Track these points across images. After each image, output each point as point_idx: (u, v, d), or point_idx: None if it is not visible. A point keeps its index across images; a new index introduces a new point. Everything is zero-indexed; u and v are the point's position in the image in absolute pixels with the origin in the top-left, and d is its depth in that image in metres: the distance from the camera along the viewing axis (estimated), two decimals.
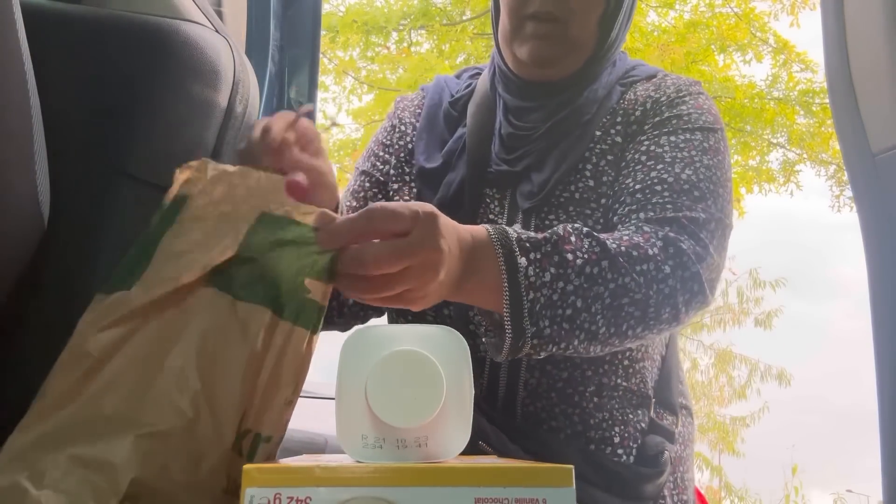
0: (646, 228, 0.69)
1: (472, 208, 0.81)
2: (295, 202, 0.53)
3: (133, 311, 0.48)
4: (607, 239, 0.66)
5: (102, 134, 0.62)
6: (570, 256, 0.63)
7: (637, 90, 0.84)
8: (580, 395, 0.78)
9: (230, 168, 0.55)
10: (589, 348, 0.65)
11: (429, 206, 0.54)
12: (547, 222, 0.78)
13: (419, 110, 0.92)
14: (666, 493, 0.80)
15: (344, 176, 7.51)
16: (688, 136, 0.76)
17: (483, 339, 0.75)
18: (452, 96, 0.91)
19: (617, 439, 0.78)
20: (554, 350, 0.63)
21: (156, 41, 0.63)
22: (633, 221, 0.71)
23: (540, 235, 0.63)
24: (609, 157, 0.79)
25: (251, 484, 0.40)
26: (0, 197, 0.50)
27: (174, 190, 0.54)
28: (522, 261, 0.61)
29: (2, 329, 0.55)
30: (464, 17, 6.82)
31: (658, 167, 0.74)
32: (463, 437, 0.46)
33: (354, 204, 0.90)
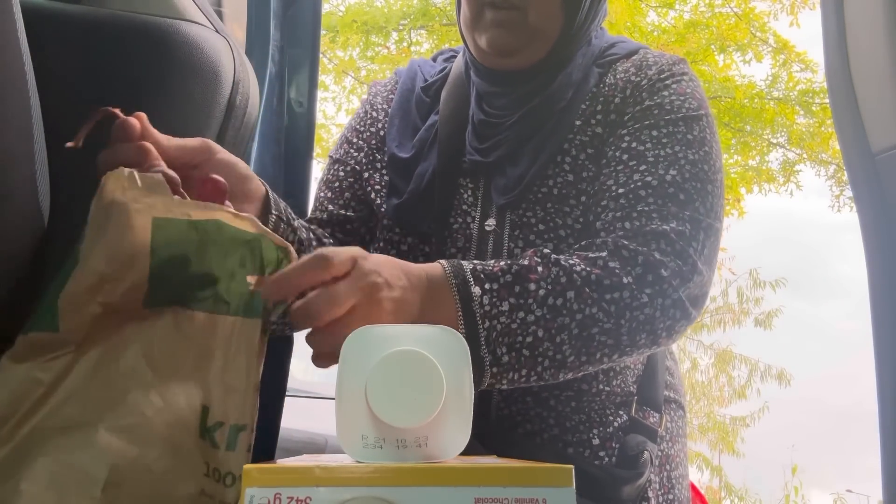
0: (625, 252, 0.65)
1: (444, 200, 0.77)
2: (182, 201, 0.51)
3: (68, 343, 0.48)
4: (577, 264, 0.63)
5: (102, 133, 0.61)
6: (532, 286, 0.61)
7: (617, 72, 0.79)
8: (556, 399, 0.75)
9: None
10: (558, 375, 0.63)
11: (358, 250, 0.56)
12: (525, 219, 0.74)
13: (391, 95, 0.89)
14: (651, 494, 0.78)
15: None
16: (670, 128, 0.71)
17: None
18: (426, 81, 0.87)
19: (596, 441, 0.76)
20: (517, 378, 0.62)
21: (156, 41, 0.63)
22: (617, 231, 0.68)
23: (500, 265, 0.62)
24: (589, 151, 0.75)
25: (251, 484, 0.40)
26: (0, 197, 0.50)
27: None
28: (476, 290, 0.60)
29: (2, 329, 0.55)
30: None
31: (641, 168, 0.70)
32: (463, 437, 0.46)
33: (329, 194, 0.87)
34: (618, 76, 0.79)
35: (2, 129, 0.49)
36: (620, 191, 0.70)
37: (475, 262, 0.63)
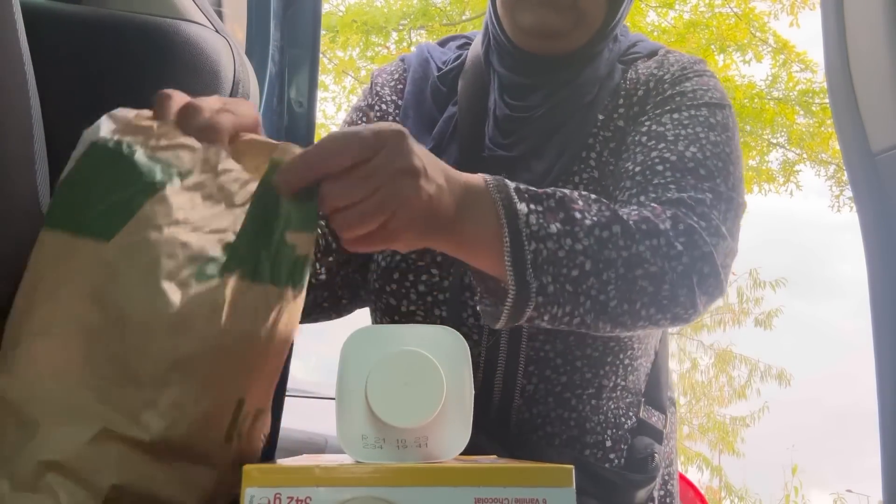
0: (652, 205, 0.62)
1: None
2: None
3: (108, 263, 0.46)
4: (613, 208, 0.59)
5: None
6: (577, 215, 0.56)
7: (639, 68, 0.78)
8: (577, 399, 0.74)
9: (235, 166, 0.53)
10: (598, 323, 0.58)
11: (395, 125, 0.49)
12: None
13: (401, 85, 0.83)
14: (654, 494, 0.79)
15: None
16: (692, 112, 0.70)
17: (476, 337, 0.71)
18: (440, 69, 0.82)
19: (609, 443, 0.75)
20: (560, 315, 0.56)
21: (156, 41, 0.63)
22: (633, 205, 0.64)
23: (541, 190, 0.57)
24: (612, 146, 0.73)
25: (251, 484, 0.40)
26: (0, 197, 0.50)
27: (171, 151, 0.51)
28: (522, 207, 0.55)
29: (2, 329, 0.55)
30: (463, 17, 6.82)
31: (660, 146, 0.67)
32: (463, 437, 0.46)
33: None
34: (640, 71, 0.77)
35: (2, 130, 0.49)
36: (637, 168, 0.67)
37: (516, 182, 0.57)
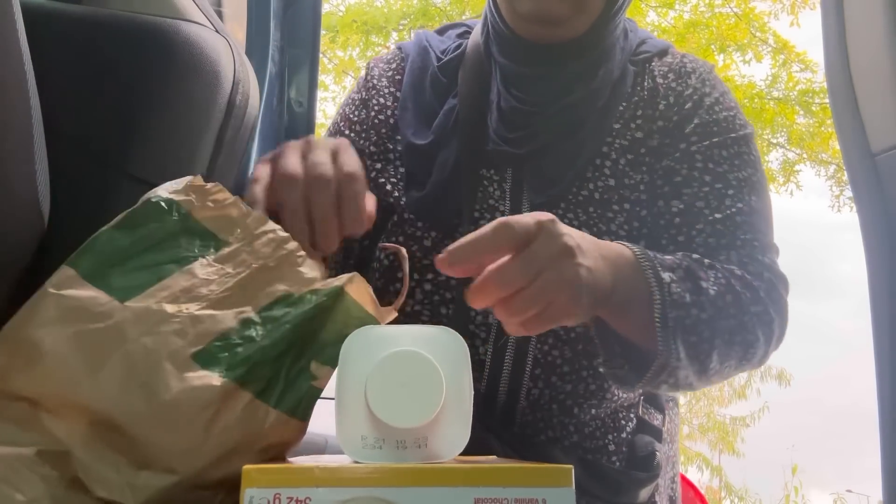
0: (747, 269, 0.65)
1: (470, 192, 0.71)
2: (312, 277, 0.51)
3: (110, 328, 0.46)
4: (723, 271, 0.62)
5: (102, 134, 0.62)
6: (703, 284, 0.59)
7: (654, 74, 0.76)
8: (580, 408, 0.73)
9: (279, 231, 0.53)
10: (697, 384, 0.61)
11: (546, 214, 0.51)
12: (566, 221, 0.66)
13: (399, 76, 0.80)
14: (657, 497, 0.78)
15: None
16: (736, 148, 0.72)
17: (484, 335, 0.70)
18: (439, 59, 0.79)
19: (612, 447, 0.75)
20: (681, 379, 0.59)
21: (156, 41, 0.63)
22: (722, 257, 0.67)
23: (668, 256, 0.60)
24: (629, 156, 0.72)
25: (251, 484, 0.40)
26: (0, 197, 0.50)
27: (215, 223, 0.52)
28: (666, 277, 0.57)
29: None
30: (463, 17, 6.82)
31: (729, 192, 0.69)
32: (463, 438, 0.46)
33: None
34: (656, 80, 0.76)
35: (2, 130, 0.49)
36: (717, 216, 0.69)
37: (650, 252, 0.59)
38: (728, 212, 0.68)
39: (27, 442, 0.44)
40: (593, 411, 0.74)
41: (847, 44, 0.83)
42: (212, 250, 0.51)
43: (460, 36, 0.83)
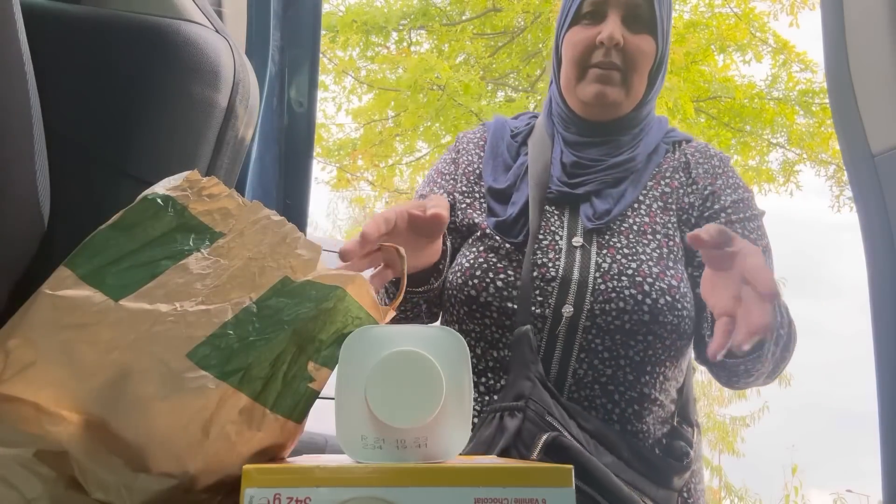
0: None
1: (536, 222, 0.95)
2: (318, 271, 0.52)
3: (106, 330, 0.46)
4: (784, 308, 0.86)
5: (103, 134, 0.62)
6: (778, 318, 0.81)
7: (684, 150, 1.03)
8: (620, 395, 0.88)
9: (273, 216, 0.54)
10: (770, 374, 0.88)
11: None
12: (611, 243, 0.92)
13: (482, 142, 1.08)
14: (689, 498, 0.91)
15: (343, 175, 7.51)
16: (758, 222, 0.97)
17: (540, 325, 0.89)
18: (512, 132, 1.07)
19: (650, 439, 0.89)
20: (764, 367, 0.83)
21: (156, 41, 0.63)
22: None
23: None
24: (659, 203, 0.97)
25: (251, 484, 0.40)
26: (0, 197, 0.50)
27: (210, 216, 0.52)
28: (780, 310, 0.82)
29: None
30: (463, 18, 6.82)
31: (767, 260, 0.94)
32: (463, 437, 0.46)
33: None
34: (686, 154, 1.02)
35: (2, 129, 0.49)
36: None
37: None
38: None
39: (25, 442, 0.44)
40: (635, 406, 0.88)
41: (847, 44, 0.83)
42: (207, 243, 0.51)
43: (531, 118, 1.11)
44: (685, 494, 0.90)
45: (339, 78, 6.99)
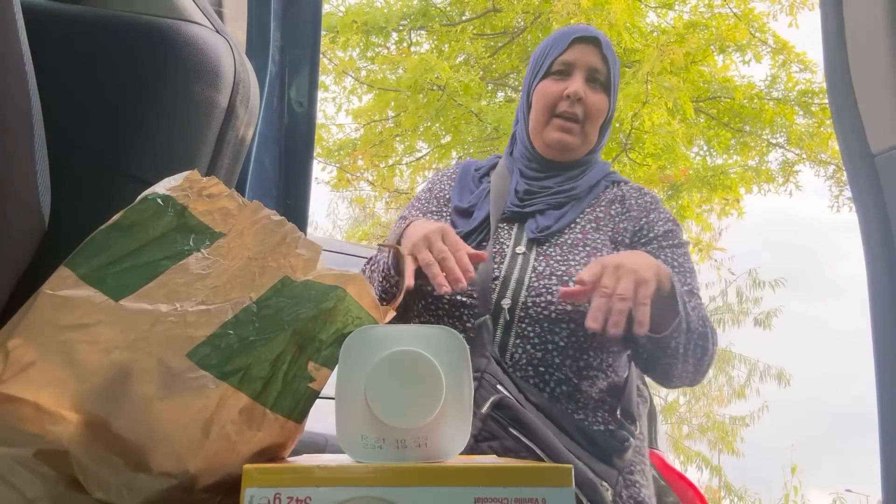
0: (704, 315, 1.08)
1: (493, 233, 1.14)
2: (318, 271, 0.52)
3: (106, 330, 0.46)
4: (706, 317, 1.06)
5: (103, 134, 0.62)
6: (690, 302, 1.04)
7: (622, 186, 1.24)
8: (549, 376, 1.03)
9: (273, 216, 0.54)
10: (672, 359, 1.03)
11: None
12: (547, 253, 1.11)
13: (454, 175, 1.30)
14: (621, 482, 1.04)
15: (343, 175, 7.51)
16: (684, 249, 1.16)
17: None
18: (476, 168, 1.29)
19: (585, 420, 1.03)
20: (677, 341, 1.00)
21: (156, 41, 0.63)
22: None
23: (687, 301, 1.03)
24: (592, 224, 1.17)
25: (251, 484, 0.40)
26: (0, 197, 0.50)
27: (211, 216, 0.52)
28: (686, 298, 1.02)
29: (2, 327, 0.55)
30: (463, 18, 6.82)
31: (687, 276, 1.12)
32: (463, 437, 0.46)
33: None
34: (623, 190, 1.23)
35: (2, 129, 0.49)
36: (685, 288, 1.09)
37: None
38: (689, 286, 1.12)
39: (26, 442, 0.44)
40: (564, 387, 1.03)
41: (846, 44, 0.83)
42: (207, 243, 0.51)
43: (496, 158, 1.33)
44: (628, 474, 1.04)
45: (339, 78, 6.99)
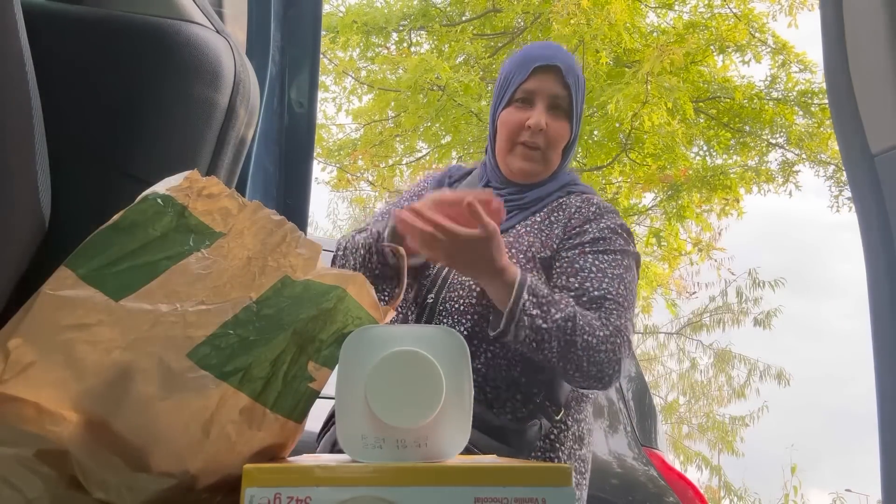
0: (600, 321, 1.09)
1: None
2: (318, 271, 0.52)
3: (107, 331, 0.46)
4: (580, 313, 1.06)
5: (104, 134, 0.62)
6: (552, 310, 1.05)
7: (572, 198, 1.25)
8: (475, 346, 1.10)
9: (273, 216, 0.54)
10: (543, 359, 1.07)
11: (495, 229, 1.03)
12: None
13: (432, 181, 1.38)
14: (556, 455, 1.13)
15: (343, 175, 7.51)
16: (614, 255, 1.17)
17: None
18: (451, 177, 1.37)
19: (507, 404, 1.10)
20: (527, 344, 1.05)
21: (157, 42, 0.63)
22: (594, 314, 1.11)
23: (545, 292, 1.07)
24: (527, 228, 1.21)
25: (251, 484, 0.40)
26: (0, 197, 0.50)
27: (211, 216, 0.52)
28: (525, 296, 1.05)
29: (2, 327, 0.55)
30: (463, 18, 6.82)
31: (605, 280, 1.13)
32: (463, 437, 0.46)
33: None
34: (571, 199, 1.25)
35: (2, 130, 0.49)
36: (595, 293, 1.12)
37: (534, 280, 1.07)
38: (602, 292, 1.13)
39: (26, 442, 0.44)
40: (489, 353, 1.10)
41: (846, 44, 0.83)
42: (207, 243, 0.51)
43: (471, 168, 1.40)
44: (548, 445, 1.11)
45: (339, 78, 6.99)
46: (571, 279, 1.16)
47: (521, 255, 1.17)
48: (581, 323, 1.05)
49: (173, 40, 0.63)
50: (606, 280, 1.14)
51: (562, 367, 1.05)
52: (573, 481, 0.43)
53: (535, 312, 1.04)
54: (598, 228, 1.19)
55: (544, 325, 1.03)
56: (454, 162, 6.57)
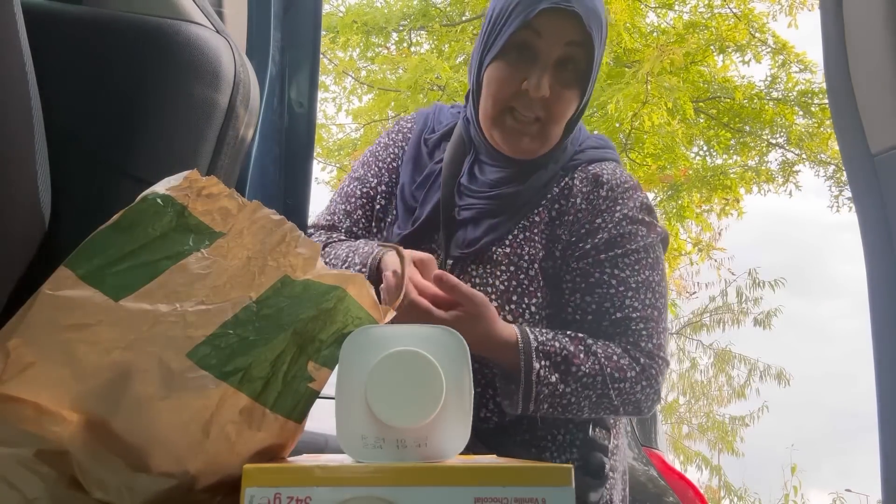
0: (629, 355, 0.92)
1: (446, 228, 0.99)
2: (318, 271, 0.52)
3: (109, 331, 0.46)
4: (603, 357, 0.89)
5: (104, 134, 0.62)
6: (573, 368, 0.88)
7: (575, 177, 0.98)
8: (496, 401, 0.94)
9: (272, 215, 0.54)
10: (574, 417, 0.93)
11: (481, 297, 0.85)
12: (470, 271, 0.96)
13: (409, 135, 1.09)
14: (615, 496, 0.98)
15: (343, 175, 7.51)
16: (636, 256, 0.94)
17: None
18: (434, 131, 1.06)
19: (554, 449, 0.97)
20: (543, 409, 0.90)
21: (156, 42, 0.63)
22: (619, 343, 0.93)
23: (556, 345, 0.88)
24: (526, 234, 0.97)
25: (251, 483, 0.40)
26: (0, 197, 0.50)
27: (210, 216, 0.52)
28: (537, 364, 0.87)
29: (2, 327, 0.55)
30: (463, 18, 6.82)
31: (629, 294, 0.93)
32: (463, 437, 0.46)
33: (346, 207, 1.06)
34: (575, 180, 0.98)
35: (2, 129, 0.49)
36: (618, 315, 0.93)
37: (539, 336, 0.88)
38: (626, 311, 0.93)
39: (26, 442, 0.44)
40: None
41: (846, 44, 0.83)
42: (207, 243, 0.51)
43: (457, 115, 1.08)
44: (621, 484, 0.99)
45: (339, 78, 6.99)
46: (587, 297, 0.94)
47: (523, 276, 0.94)
48: (609, 370, 0.88)
49: (173, 40, 0.63)
50: (630, 294, 0.92)
51: (596, 414, 0.93)
52: (572, 482, 0.43)
53: (553, 379, 0.86)
54: (613, 222, 0.94)
55: (568, 389, 0.87)
56: None
